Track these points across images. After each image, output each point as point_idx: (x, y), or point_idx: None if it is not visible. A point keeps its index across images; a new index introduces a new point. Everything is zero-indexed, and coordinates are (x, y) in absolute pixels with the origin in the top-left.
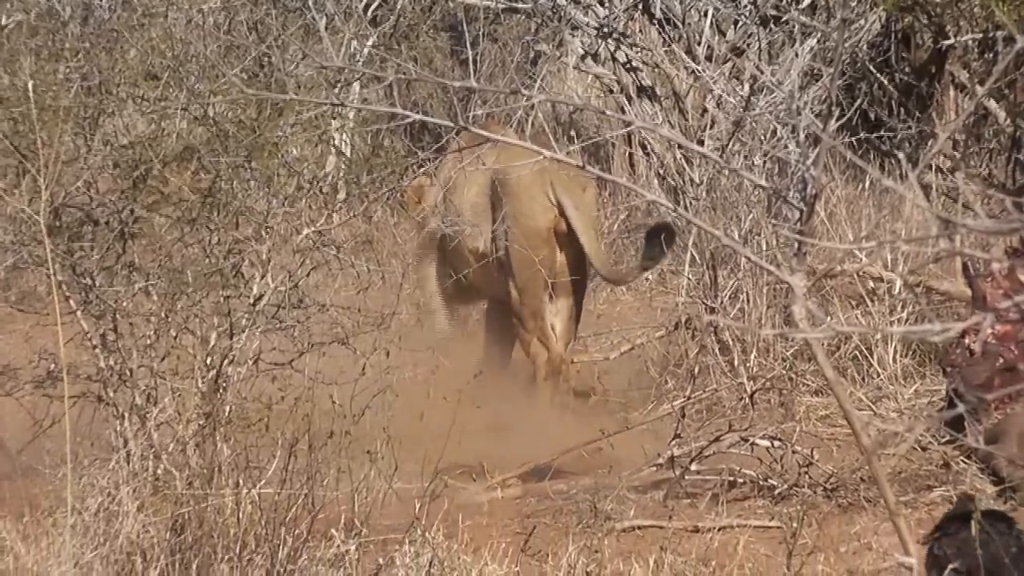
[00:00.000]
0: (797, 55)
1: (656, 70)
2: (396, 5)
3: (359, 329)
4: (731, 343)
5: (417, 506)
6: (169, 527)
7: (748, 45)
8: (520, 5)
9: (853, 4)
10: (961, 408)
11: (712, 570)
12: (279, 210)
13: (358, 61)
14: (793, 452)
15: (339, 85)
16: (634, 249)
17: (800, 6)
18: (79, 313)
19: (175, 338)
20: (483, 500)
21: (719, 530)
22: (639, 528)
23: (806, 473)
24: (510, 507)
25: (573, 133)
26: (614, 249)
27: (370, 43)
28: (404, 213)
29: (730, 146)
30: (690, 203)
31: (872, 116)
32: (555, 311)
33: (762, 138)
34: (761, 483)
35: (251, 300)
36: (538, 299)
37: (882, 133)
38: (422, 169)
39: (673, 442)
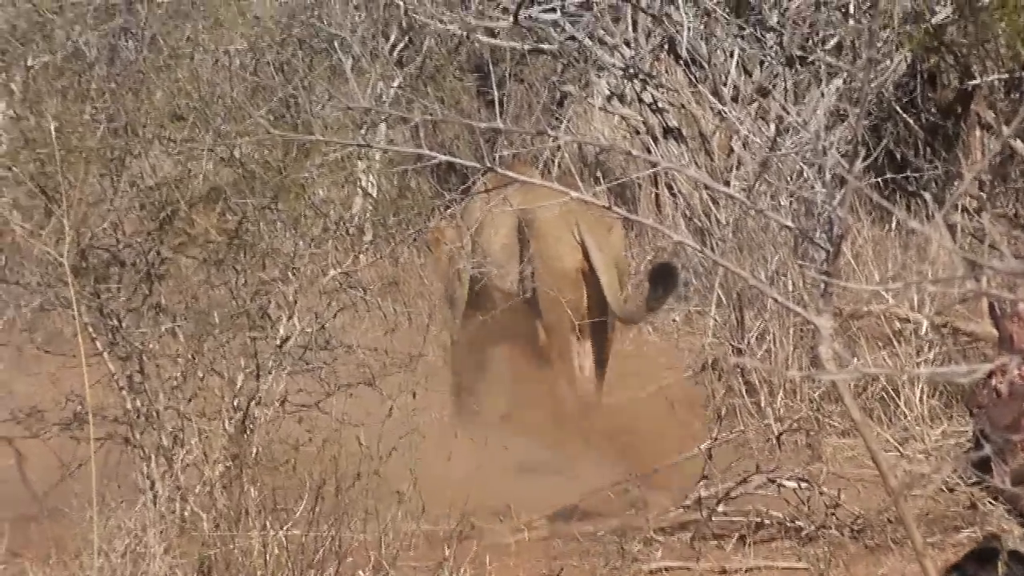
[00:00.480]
0: (823, 95)
1: (682, 111)
2: (422, 46)
3: (386, 371)
4: (758, 384)
5: (445, 548)
6: (196, 569)
7: (774, 86)
8: (546, 46)
9: (879, 44)
10: (988, 449)
11: None
12: (305, 251)
13: (384, 102)
14: (820, 493)
15: (365, 126)
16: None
17: (826, 47)
18: (105, 355)
19: (202, 380)
20: (510, 541)
21: (746, 571)
22: (666, 570)
23: (833, 514)
24: (537, 548)
25: (599, 174)
26: (641, 289)
27: (396, 84)
28: (430, 255)
29: (756, 187)
30: (716, 244)
31: (898, 156)
32: (583, 352)
33: (788, 178)
34: (788, 524)
35: (278, 342)
36: (566, 340)
37: (908, 173)
38: (448, 210)
39: (700, 483)
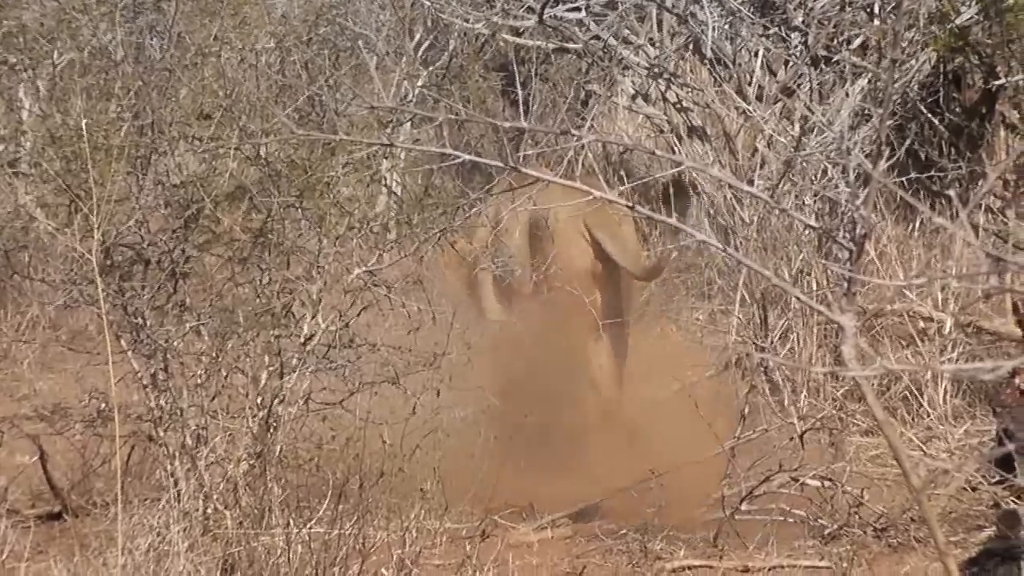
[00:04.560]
0: (848, 95)
1: (707, 110)
2: (448, 45)
3: (410, 369)
4: (781, 383)
5: (468, 546)
6: (219, 567)
7: (799, 85)
8: (571, 45)
9: (904, 45)
10: (1011, 447)
11: None
12: (330, 250)
13: (409, 101)
14: (843, 492)
15: (391, 125)
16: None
17: (851, 47)
18: (130, 352)
19: (226, 378)
20: (533, 540)
21: (769, 570)
22: (689, 568)
23: (856, 513)
24: (560, 547)
25: (623, 173)
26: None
27: (421, 83)
28: (454, 253)
29: (781, 186)
30: (740, 243)
31: (923, 156)
32: (602, 351)
33: (813, 178)
34: (811, 523)
35: (302, 340)
36: (583, 340)
37: (932, 173)
38: (473, 210)
39: (723, 482)
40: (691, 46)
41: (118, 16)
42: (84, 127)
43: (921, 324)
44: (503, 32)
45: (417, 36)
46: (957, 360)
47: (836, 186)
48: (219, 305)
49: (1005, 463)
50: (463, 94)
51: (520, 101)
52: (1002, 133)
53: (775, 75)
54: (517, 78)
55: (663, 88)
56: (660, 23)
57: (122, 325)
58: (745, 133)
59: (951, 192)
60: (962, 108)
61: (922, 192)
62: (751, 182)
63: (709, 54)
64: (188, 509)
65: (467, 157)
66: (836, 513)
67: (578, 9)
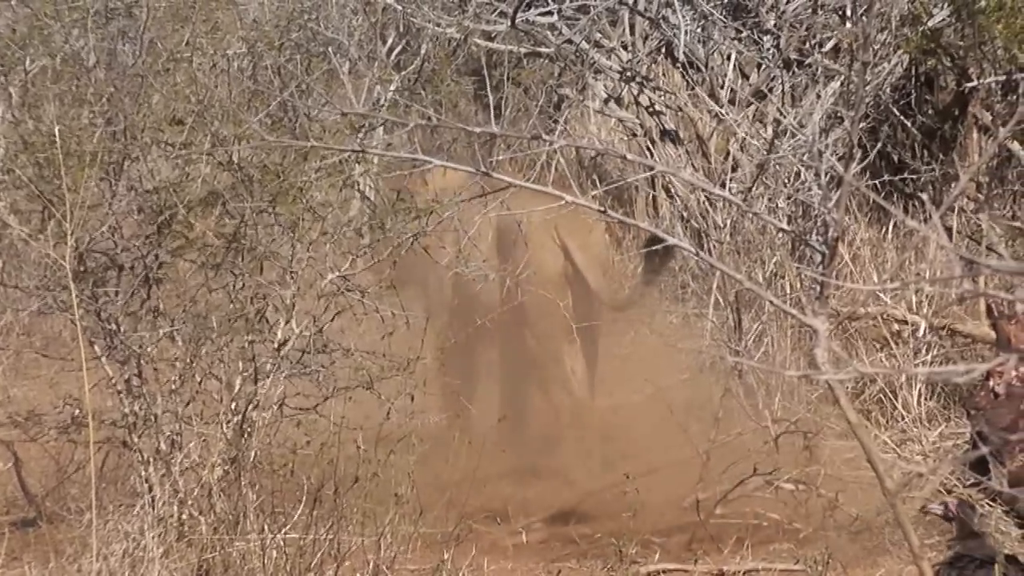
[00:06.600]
0: (820, 98)
1: (679, 113)
2: (420, 50)
3: (384, 374)
4: (755, 386)
5: (442, 550)
6: (194, 573)
7: (771, 88)
8: (543, 49)
9: (876, 47)
10: (985, 451)
11: None
12: (303, 255)
13: (382, 106)
14: (818, 495)
15: (363, 130)
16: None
17: (823, 49)
18: (104, 358)
19: (200, 383)
20: (508, 544)
21: (744, 573)
22: (664, 572)
23: (831, 516)
24: (534, 551)
25: (596, 177)
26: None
27: (393, 87)
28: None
29: (753, 189)
30: (713, 246)
31: (895, 159)
32: (574, 355)
33: (785, 181)
34: (786, 526)
35: (276, 345)
36: (556, 344)
37: (905, 175)
38: (447, 214)
39: (698, 485)
40: (663, 50)
41: (90, 22)
42: (57, 133)
43: (895, 327)
44: (475, 36)
45: (389, 41)
46: (931, 363)
47: (809, 189)
48: (193, 311)
49: (979, 466)
50: (435, 98)
51: (492, 105)
52: (974, 135)
53: (747, 78)
54: (489, 82)
55: (635, 92)
56: (632, 27)
57: (96, 331)
58: (718, 136)
59: (924, 194)
60: (934, 110)
61: (895, 194)
62: (724, 185)
63: (681, 58)
64: (163, 515)
65: (438, 163)
66: (811, 516)
67: (550, 13)
